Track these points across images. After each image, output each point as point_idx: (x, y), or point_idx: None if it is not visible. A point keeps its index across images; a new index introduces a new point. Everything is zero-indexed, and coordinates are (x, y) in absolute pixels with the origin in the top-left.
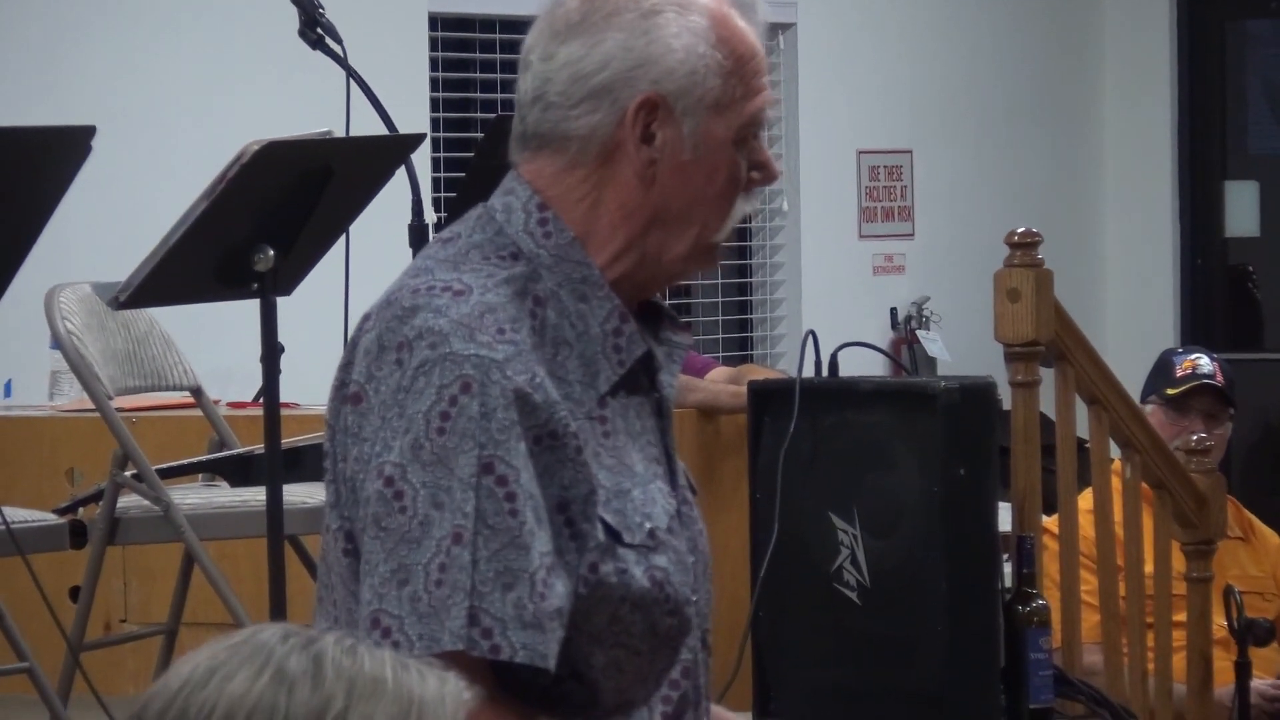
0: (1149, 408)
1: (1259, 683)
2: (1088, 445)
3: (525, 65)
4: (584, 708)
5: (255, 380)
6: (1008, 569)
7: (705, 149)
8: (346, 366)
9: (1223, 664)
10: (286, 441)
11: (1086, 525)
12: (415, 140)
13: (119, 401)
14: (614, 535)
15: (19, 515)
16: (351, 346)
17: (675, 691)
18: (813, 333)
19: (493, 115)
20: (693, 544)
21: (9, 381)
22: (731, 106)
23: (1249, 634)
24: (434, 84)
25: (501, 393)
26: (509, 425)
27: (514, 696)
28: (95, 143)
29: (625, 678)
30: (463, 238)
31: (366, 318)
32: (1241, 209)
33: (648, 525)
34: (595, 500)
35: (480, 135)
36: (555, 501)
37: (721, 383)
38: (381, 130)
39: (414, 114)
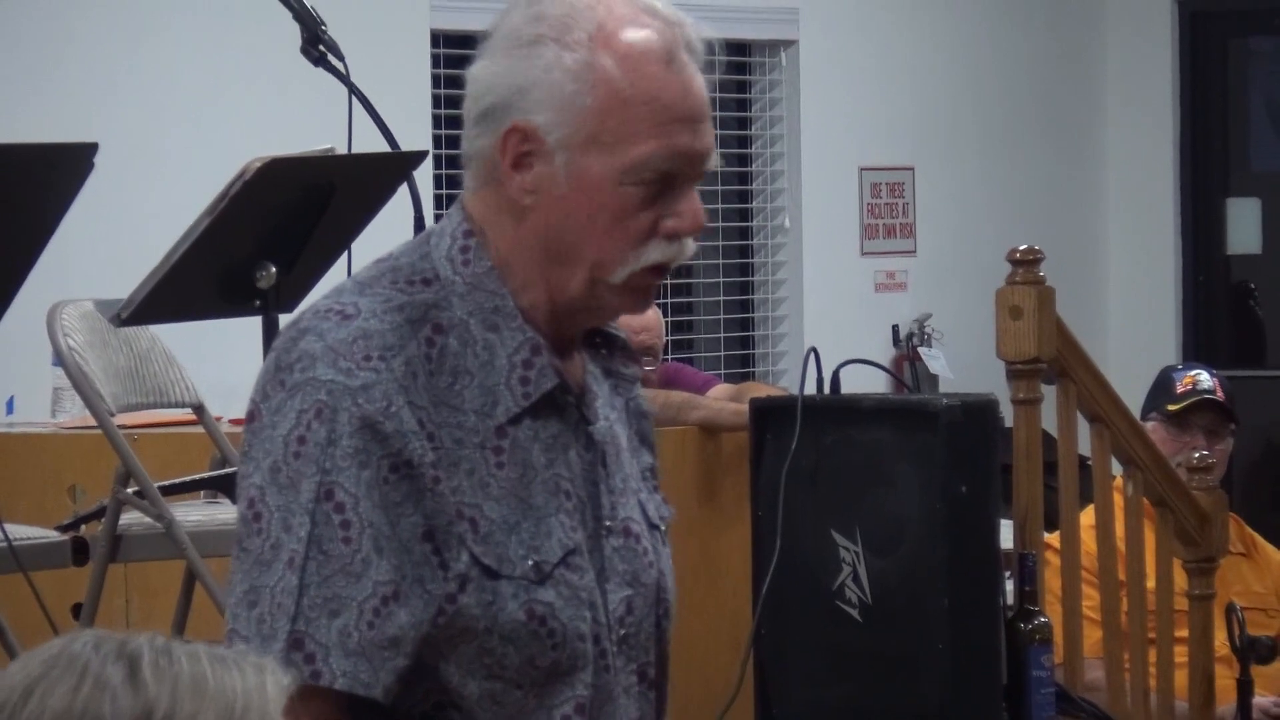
0: (1150, 424)
1: (1261, 700)
2: (1089, 463)
3: None
4: None
5: None
6: (1009, 586)
7: (581, 185)
8: (255, 386)
9: (1225, 681)
10: None
11: (1089, 540)
12: (418, 157)
13: (121, 418)
14: (484, 569)
15: (21, 532)
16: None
17: None
18: (814, 350)
19: None
20: (632, 577)
21: (11, 398)
22: (613, 147)
23: (1251, 651)
24: (436, 101)
25: (349, 420)
26: (352, 453)
27: None
28: (97, 159)
29: (504, 710)
30: (392, 258)
31: (278, 335)
32: (1244, 226)
33: (532, 559)
34: (454, 530)
35: None
36: (421, 530)
37: (723, 400)
38: (384, 147)
39: (416, 131)
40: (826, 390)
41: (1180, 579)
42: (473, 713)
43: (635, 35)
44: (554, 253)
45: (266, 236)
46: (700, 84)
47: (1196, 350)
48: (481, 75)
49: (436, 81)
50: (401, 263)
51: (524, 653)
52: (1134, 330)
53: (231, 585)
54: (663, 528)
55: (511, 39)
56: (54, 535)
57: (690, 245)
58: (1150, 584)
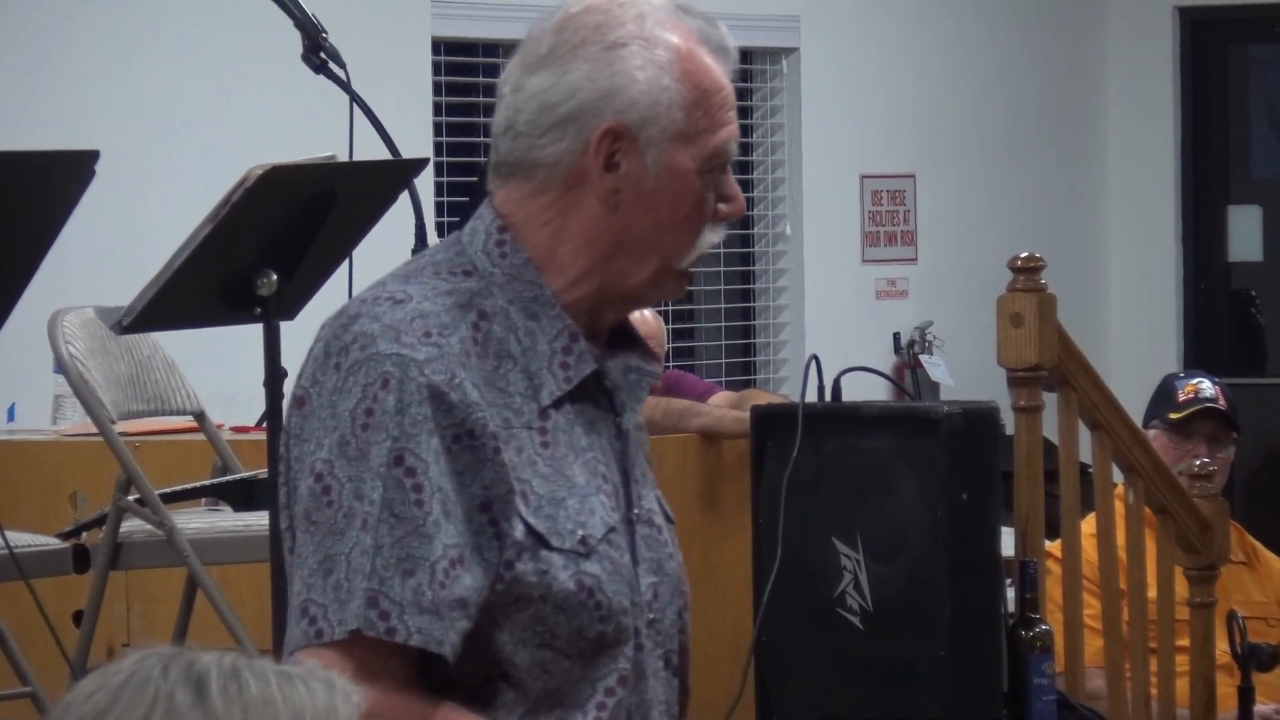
0: (1151, 433)
1: (1262, 708)
2: (1091, 470)
3: (499, 97)
4: (512, 708)
5: (258, 404)
6: (1010, 594)
7: (668, 178)
8: (299, 374)
9: (1226, 689)
10: None
11: (1089, 549)
12: (418, 164)
13: (122, 425)
14: (538, 538)
15: (22, 539)
16: (306, 354)
17: (611, 699)
18: (815, 357)
19: None
20: (657, 565)
21: (12, 406)
22: (695, 138)
23: (1252, 659)
24: (437, 108)
25: (417, 389)
26: (422, 420)
27: (436, 691)
28: (98, 167)
29: (553, 680)
30: (426, 256)
31: (322, 327)
32: (1245, 233)
33: (580, 533)
34: (513, 500)
35: (483, 160)
36: (479, 501)
37: (724, 407)
38: (385, 154)
39: (417, 138)
40: (828, 398)
41: (1181, 587)
42: (523, 683)
43: (687, 30)
44: (626, 245)
45: (267, 244)
46: None
47: (1198, 358)
48: (552, 84)
49: (437, 89)
50: (439, 258)
51: (574, 622)
52: (1135, 338)
53: (302, 558)
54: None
55: (578, 45)
56: (55, 542)
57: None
58: (1151, 592)
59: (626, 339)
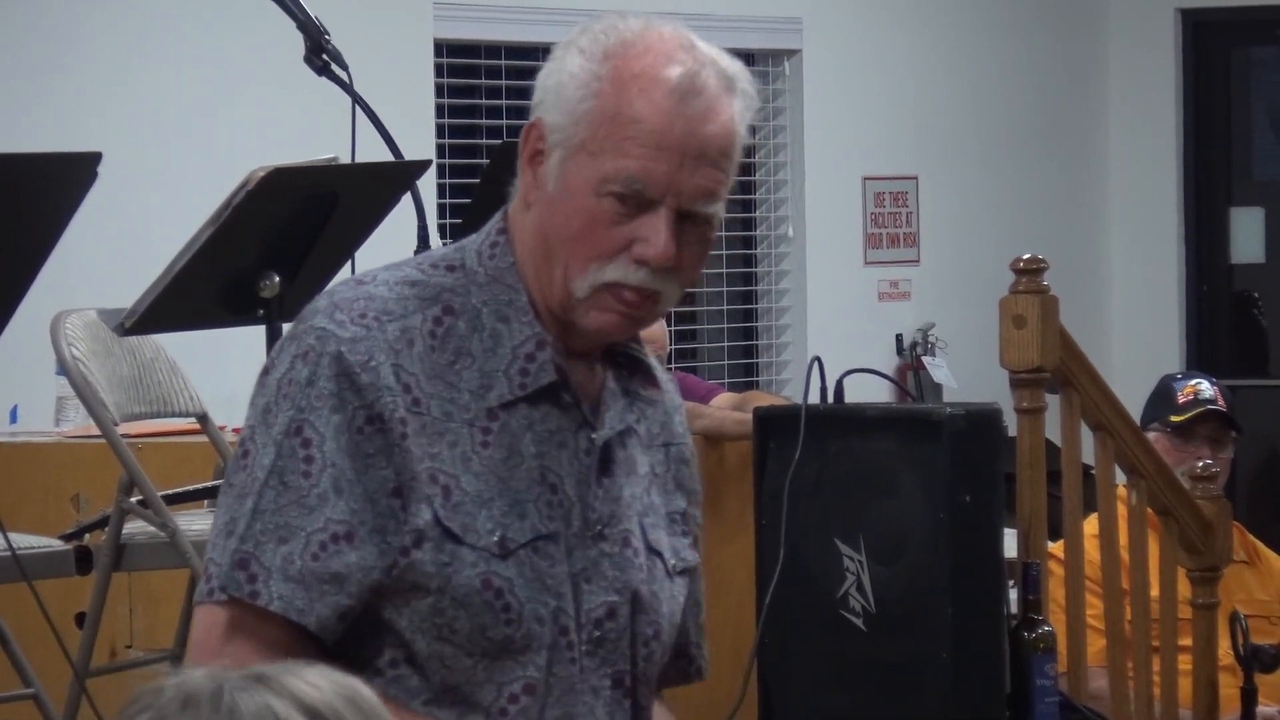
0: (1151, 435)
1: (1265, 709)
2: (1093, 471)
3: None
4: (416, 693)
5: None
6: (1013, 595)
7: (566, 188)
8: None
9: (1229, 690)
10: None
11: (1092, 549)
12: (421, 166)
13: (125, 427)
14: (446, 531)
15: (25, 541)
16: None
17: (514, 706)
18: (818, 359)
19: (498, 141)
20: (622, 585)
21: (15, 408)
22: (596, 156)
23: (1255, 660)
24: (439, 110)
25: (330, 364)
26: (327, 395)
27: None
28: (101, 168)
29: (453, 675)
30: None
31: None
32: (1247, 235)
33: (499, 534)
34: (417, 487)
35: (486, 161)
36: (391, 485)
37: (726, 409)
38: (387, 156)
39: (420, 140)
40: (830, 399)
41: (1184, 587)
42: (424, 671)
43: (654, 61)
44: (545, 252)
45: (270, 246)
46: (715, 127)
47: (1200, 359)
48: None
49: (440, 90)
50: (437, 251)
51: (475, 621)
52: (1137, 339)
53: (215, 518)
54: (672, 562)
55: (562, 44)
56: (58, 544)
57: (666, 283)
58: (1154, 592)
59: (632, 361)
